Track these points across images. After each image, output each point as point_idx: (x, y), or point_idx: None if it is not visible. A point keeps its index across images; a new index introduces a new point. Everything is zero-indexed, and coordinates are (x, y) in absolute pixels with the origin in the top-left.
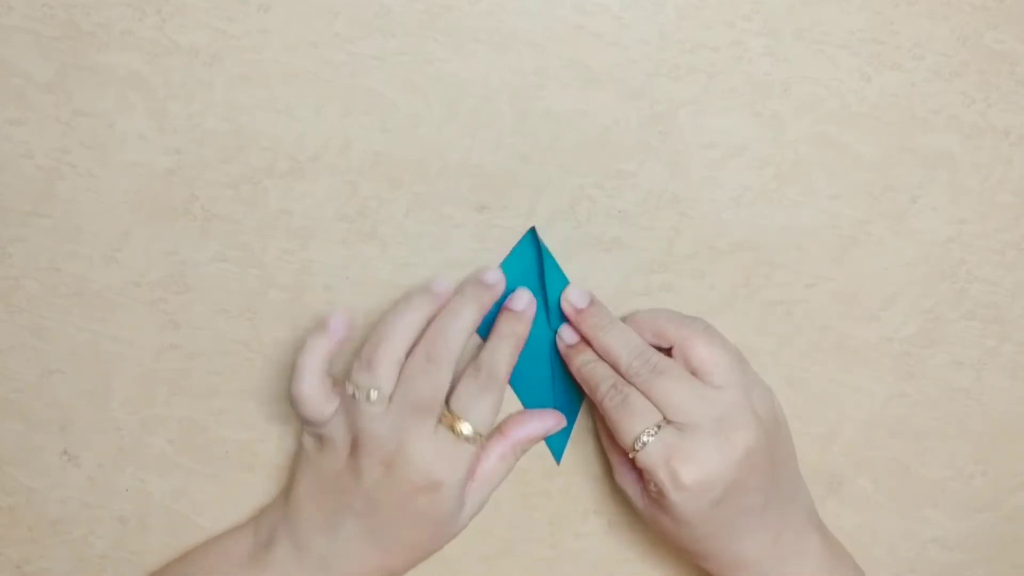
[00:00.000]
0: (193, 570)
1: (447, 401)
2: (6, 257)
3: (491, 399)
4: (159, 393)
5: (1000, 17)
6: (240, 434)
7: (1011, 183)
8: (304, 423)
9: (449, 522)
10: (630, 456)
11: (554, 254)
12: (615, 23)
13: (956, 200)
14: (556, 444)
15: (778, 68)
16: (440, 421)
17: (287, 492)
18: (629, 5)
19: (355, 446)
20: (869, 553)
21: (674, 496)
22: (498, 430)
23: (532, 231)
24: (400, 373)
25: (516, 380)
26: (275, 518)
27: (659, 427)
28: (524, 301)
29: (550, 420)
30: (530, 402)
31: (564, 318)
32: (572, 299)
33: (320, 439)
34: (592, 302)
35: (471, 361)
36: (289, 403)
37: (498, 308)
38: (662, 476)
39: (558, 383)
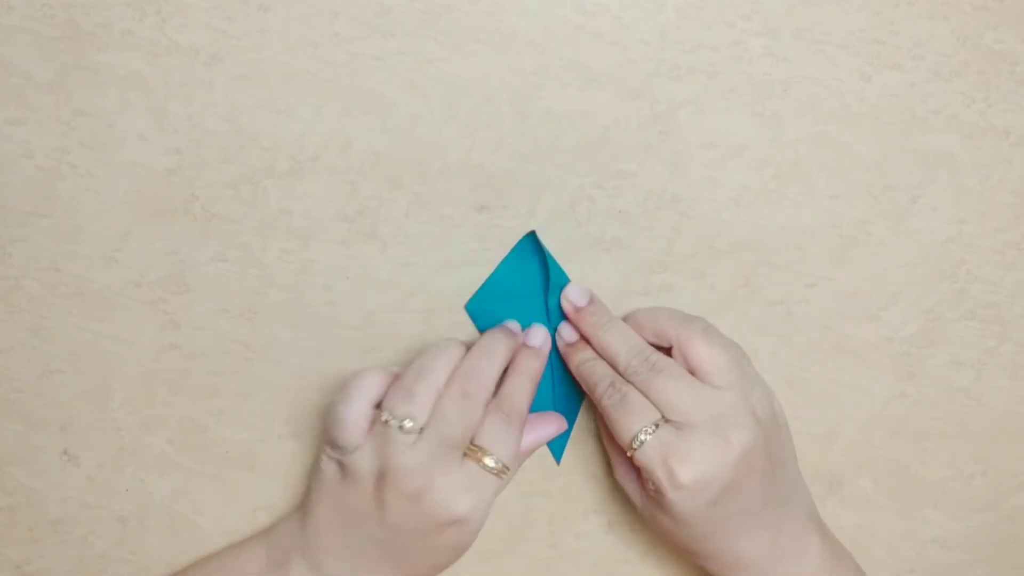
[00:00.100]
0: None
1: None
2: (6, 257)
3: (515, 433)
4: (159, 393)
5: (1000, 17)
6: (240, 434)
7: (1011, 183)
8: (330, 446)
9: (468, 547)
10: (628, 455)
11: (554, 254)
12: (615, 23)
13: (956, 200)
14: (556, 444)
15: (778, 68)
16: (466, 455)
17: (304, 517)
18: (629, 5)
19: (382, 478)
20: (869, 553)
21: (671, 495)
22: None
23: (532, 234)
24: (434, 407)
25: None
26: (290, 541)
27: (657, 426)
28: (540, 338)
29: (551, 426)
30: None
31: (564, 317)
32: (571, 297)
33: (343, 468)
34: (591, 300)
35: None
36: (289, 402)
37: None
38: (659, 475)
39: (558, 383)
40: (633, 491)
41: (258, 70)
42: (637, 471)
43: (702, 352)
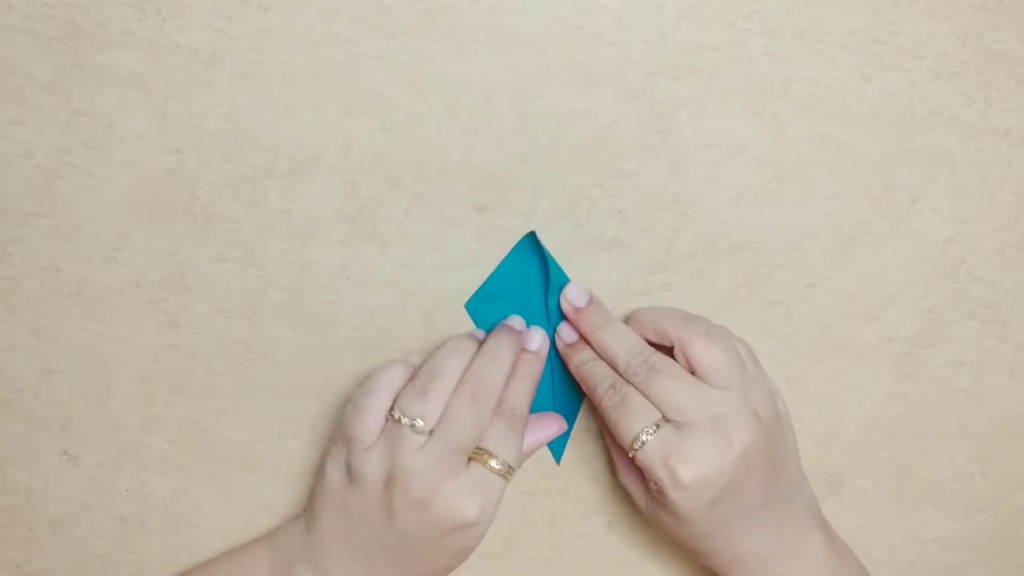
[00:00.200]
0: None
1: None
2: (6, 257)
3: (518, 435)
4: (159, 393)
5: (1000, 17)
6: (240, 434)
7: (1011, 183)
8: (344, 442)
9: (474, 549)
10: (629, 455)
11: (554, 254)
12: (615, 23)
13: (956, 200)
14: (556, 445)
15: (778, 68)
16: (471, 459)
17: (309, 524)
18: (629, 5)
19: (390, 483)
20: (869, 553)
21: (673, 495)
22: None
23: (532, 235)
24: (444, 410)
25: None
26: (294, 547)
27: (658, 426)
28: (538, 341)
29: (551, 427)
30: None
31: (564, 317)
32: (571, 297)
33: (350, 473)
34: (591, 301)
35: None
36: (289, 402)
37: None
38: (661, 475)
39: (558, 384)
40: (636, 491)
41: (258, 70)
42: (639, 471)
43: (702, 352)
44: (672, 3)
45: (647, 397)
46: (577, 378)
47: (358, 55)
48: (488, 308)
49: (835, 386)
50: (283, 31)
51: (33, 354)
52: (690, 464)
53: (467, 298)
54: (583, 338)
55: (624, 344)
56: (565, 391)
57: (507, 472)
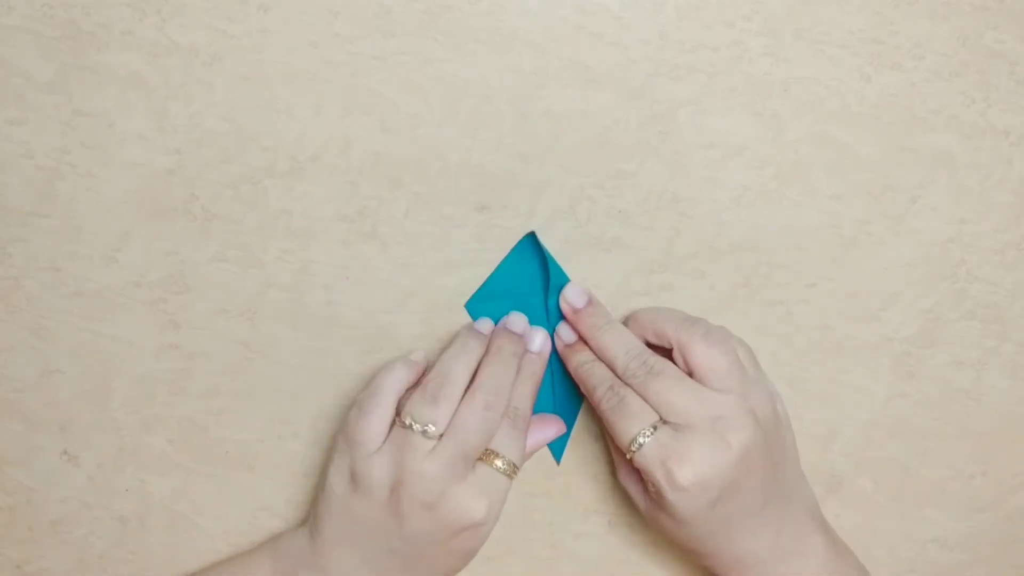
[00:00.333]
0: None
1: None
2: (6, 257)
3: (522, 435)
4: (159, 393)
5: (1000, 17)
6: (240, 434)
7: (1011, 183)
8: (350, 446)
9: (479, 549)
10: (627, 457)
11: (554, 254)
12: (615, 23)
13: (956, 200)
14: (556, 445)
15: (778, 68)
16: (478, 460)
17: (313, 533)
18: (629, 5)
19: (397, 487)
20: (869, 553)
21: (671, 496)
22: None
23: (532, 235)
24: (455, 414)
25: None
26: (298, 554)
27: (655, 428)
28: (539, 342)
29: (550, 429)
30: None
31: (564, 318)
32: (570, 298)
33: (354, 480)
34: (590, 301)
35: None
36: (289, 402)
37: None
38: (658, 477)
39: (558, 384)
40: (635, 493)
41: (258, 70)
42: (638, 473)
43: (702, 355)
44: (672, 3)
45: (645, 399)
46: (576, 379)
47: (358, 55)
48: (488, 308)
49: (835, 386)
50: (283, 31)
51: (33, 354)
52: (688, 466)
53: (467, 298)
54: (582, 339)
55: (623, 346)
56: (565, 392)
57: (512, 472)
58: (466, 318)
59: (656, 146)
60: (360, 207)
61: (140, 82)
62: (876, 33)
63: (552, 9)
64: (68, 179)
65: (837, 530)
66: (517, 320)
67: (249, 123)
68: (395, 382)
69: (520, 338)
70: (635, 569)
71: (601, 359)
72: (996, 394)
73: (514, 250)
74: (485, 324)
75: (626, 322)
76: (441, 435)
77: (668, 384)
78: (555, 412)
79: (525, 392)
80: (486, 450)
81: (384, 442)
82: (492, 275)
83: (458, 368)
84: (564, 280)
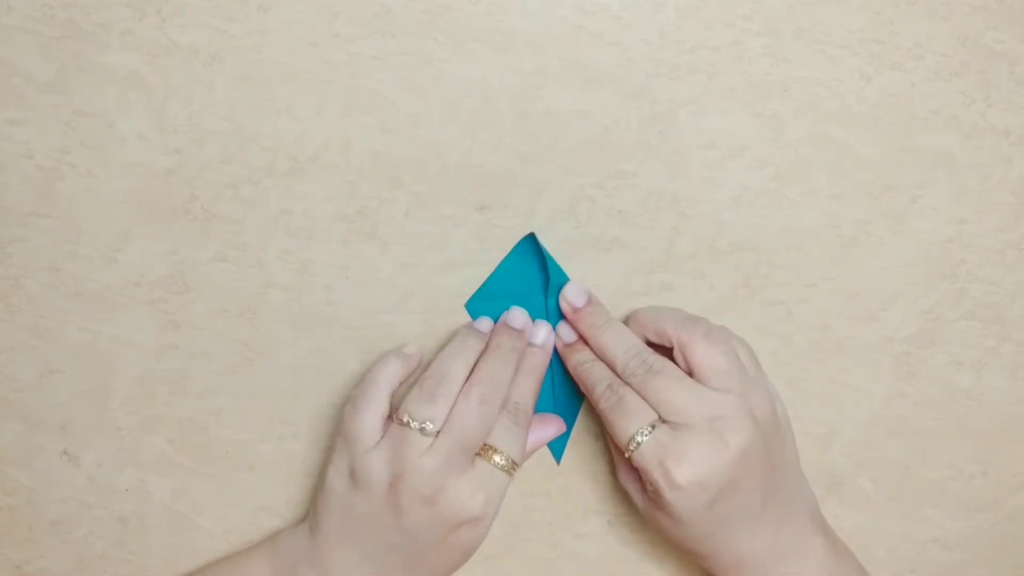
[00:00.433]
0: None
1: None
2: (6, 257)
3: (522, 431)
4: (159, 393)
5: (1000, 17)
6: (240, 434)
7: (1011, 183)
8: (347, 443)
9: (478, 546)
10: (626, 456)
11: (554, 254)
12: (615, 23)
13: (956, 200)
14: (556, 445)
15: (778, 68)
16: (477, 454)
17: (312, 530)
18: (629, 5)
19: (396, 482)
20: (869, 553)
21: (669, 496)
22: None
23: (532, 236)
24: (452, 410)
25: None
26: (297, 552)
27: (653, 427)
28: (543, 335)
29: (550, 428)
30: None
31: (564, 317)
32: (569, 297)
33: (353, 477)
34: (590, 300)
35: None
36: (288, 402)
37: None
38: (656, 476)
39: (558, 384)
40: (635, 492)
41: (258, 70)
42: (638, 473)
43: (702, 354)
44: (672, 3)
45: (644, 398)
46: (575, 378)
47: (358, 55)
48: (488, 308)
49: (835, 386)
50: (283, 31)
51: (33, 354)
52: (686, 465)
53: (467, 298)
54: (582, 338)
55: (622, 345)
56: (565, 391)
57: (511, 468)
58: (466, 318)
59: (656, 146)
60: (360, 207)
61: (140, 82)
62: (876, 33)
63: (552, 9)
64: (68, 179)
65: (837, 530)
66: (517, 316)
67: (249, 123)
68: (388, 376)
69: (520, 334)
70: (635, 569)
71: (601, 358)
72: (996, 394)
73: (514, 250)
74: (484, 323)
75: (627, 321)
76: (438, 432)
77: (667, 383)
78: (555, 412)
79: (527, 386)
80: (485, 445)
81: (381, 437)
82: (492, 275)
83: (455, 366)
84: (564, 280)
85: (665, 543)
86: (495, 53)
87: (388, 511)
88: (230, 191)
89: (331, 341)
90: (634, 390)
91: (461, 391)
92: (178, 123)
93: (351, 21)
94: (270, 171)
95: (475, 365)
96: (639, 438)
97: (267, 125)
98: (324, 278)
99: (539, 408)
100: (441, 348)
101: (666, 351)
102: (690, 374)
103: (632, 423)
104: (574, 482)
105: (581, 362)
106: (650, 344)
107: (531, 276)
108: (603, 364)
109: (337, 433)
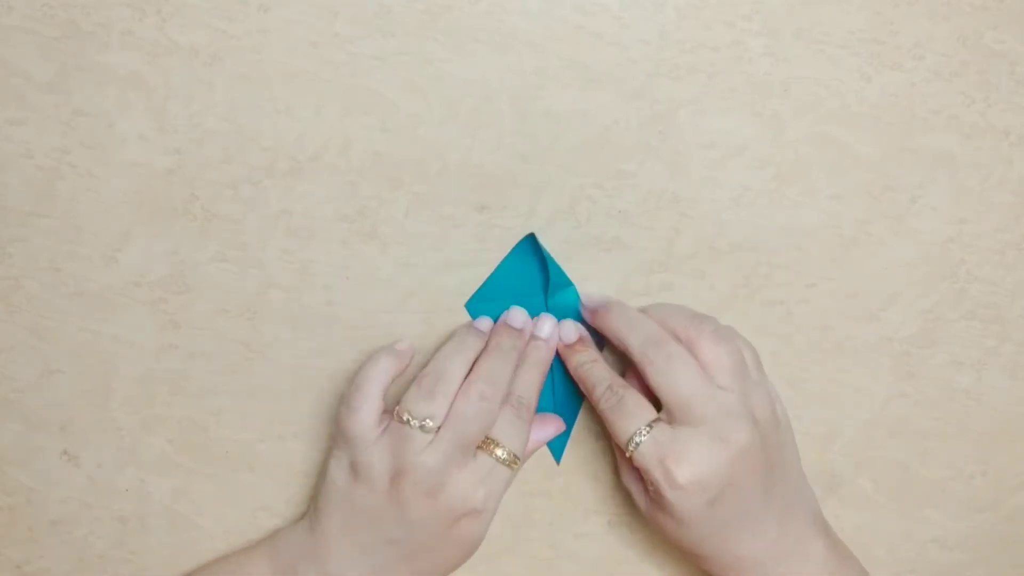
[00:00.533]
0: None
1: None
2: (6, 257)
3: (525, 425)
4: (159, 393)
5: (1000, 17)
6: (240, 434)
7: (1011, 183)
8: (344, 441)
9: (480, 541)
10: (626, 456)
11: (554, 254)
12: (615, 23)
13: (956, 200)
14: (556, 445)
15: (778, 68)
16: (478, 448)
17: (312, 525)
18: (629, 5)
19: (397, 477)
20: (869, 553)
21: (670, 495)
22: None
23: (532, 236)
24: (451, 407)
25: None
26: (297, 550)
27: (651, 426)
28: (547, 329)
29: (550, 427)
30: None
31: (561, 318)
32: (591, 302)
33: (354, 470)
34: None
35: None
36: (289, 402)
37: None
38: (657, 475)
39: (558, 384)
40: (637, 494)
41: (258, 70)
42: (640, 474)
43: (708, 352)
44: (672, 3)
45: (656, 381)
46: (576, 379)
47: (358, 55)
48: (488, 308)
49: (835, 386)
50: (283, 31)
51: (33, 354)
52: (686, 464)
53: (467, 298)
54: (598, 332)
55: (642, 329)
56: (565, 392)
57: (513, 461)
58: (466, 318)
59: (656, 146)
60: (360, 207)
61: (140, 82)
62: (876, 33)
63: (552, 9)
64: (68, 179)
65: (837, 530)
66: (517, 315)
67: (249, 123)
68: (380, 373)
69: (519, 334)
70: (635, 569)
71: (615, 337)
72: (996, 394)
73: (514, 250)
74: (484, 322)
75: None
76: (439, 428)
77: (682, 365)
78: (555, 412)
79: (531, 380)
80: (487, 439)
81: (381, 433)
82: (492, 275)
83: (454, 364)
84: (564, 280)
85: (665, 543)
86: (495, 53)
87: (390, 504)
88: (230, 191)
89: (331, 341)
90: (648, 374)
91: (460, 388)
92: (178, 123)
93: (351, 21)
94: (270, 171)
95: (474, 364)
96: (638, 438)
97: (267, 125)
98: (324, 278)
99: (539, 408)
100: (440, 347)
101: None
102: None
103: (631, 423)
104: (574, 482)
105: (582, 363)
106: None
107: (531, 276)
108: (604, 365)
109: (336, 433)
